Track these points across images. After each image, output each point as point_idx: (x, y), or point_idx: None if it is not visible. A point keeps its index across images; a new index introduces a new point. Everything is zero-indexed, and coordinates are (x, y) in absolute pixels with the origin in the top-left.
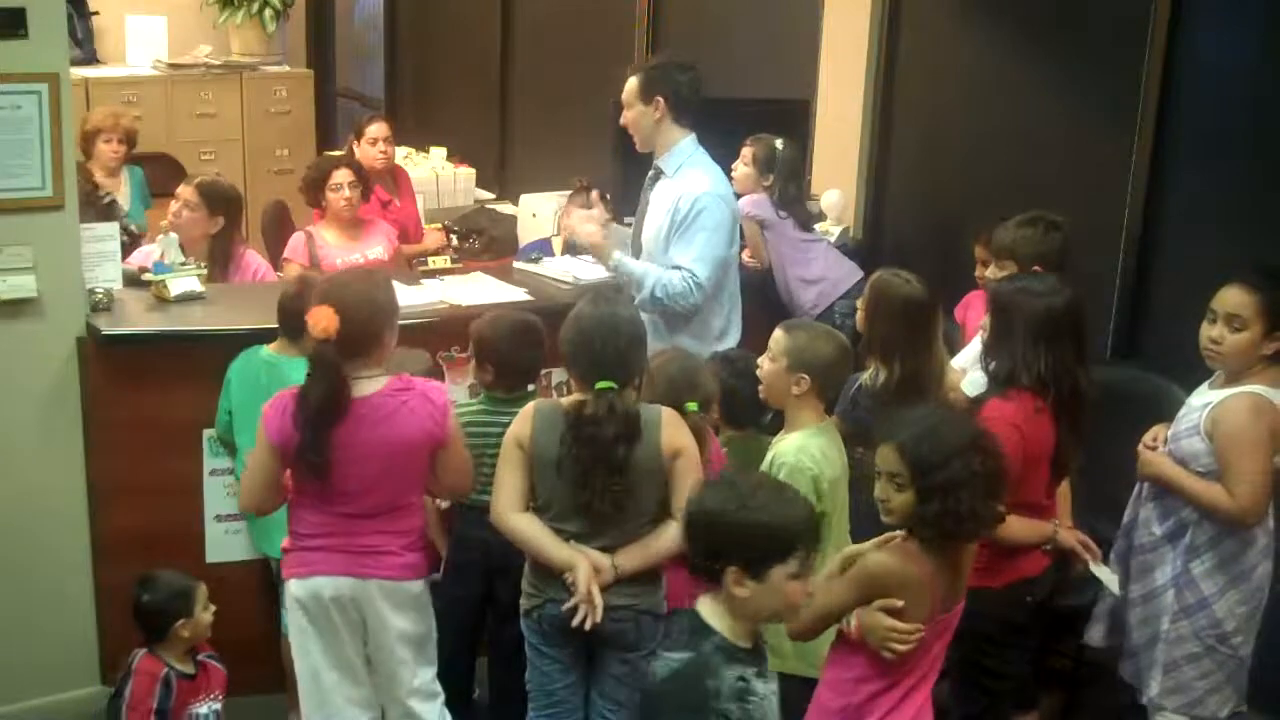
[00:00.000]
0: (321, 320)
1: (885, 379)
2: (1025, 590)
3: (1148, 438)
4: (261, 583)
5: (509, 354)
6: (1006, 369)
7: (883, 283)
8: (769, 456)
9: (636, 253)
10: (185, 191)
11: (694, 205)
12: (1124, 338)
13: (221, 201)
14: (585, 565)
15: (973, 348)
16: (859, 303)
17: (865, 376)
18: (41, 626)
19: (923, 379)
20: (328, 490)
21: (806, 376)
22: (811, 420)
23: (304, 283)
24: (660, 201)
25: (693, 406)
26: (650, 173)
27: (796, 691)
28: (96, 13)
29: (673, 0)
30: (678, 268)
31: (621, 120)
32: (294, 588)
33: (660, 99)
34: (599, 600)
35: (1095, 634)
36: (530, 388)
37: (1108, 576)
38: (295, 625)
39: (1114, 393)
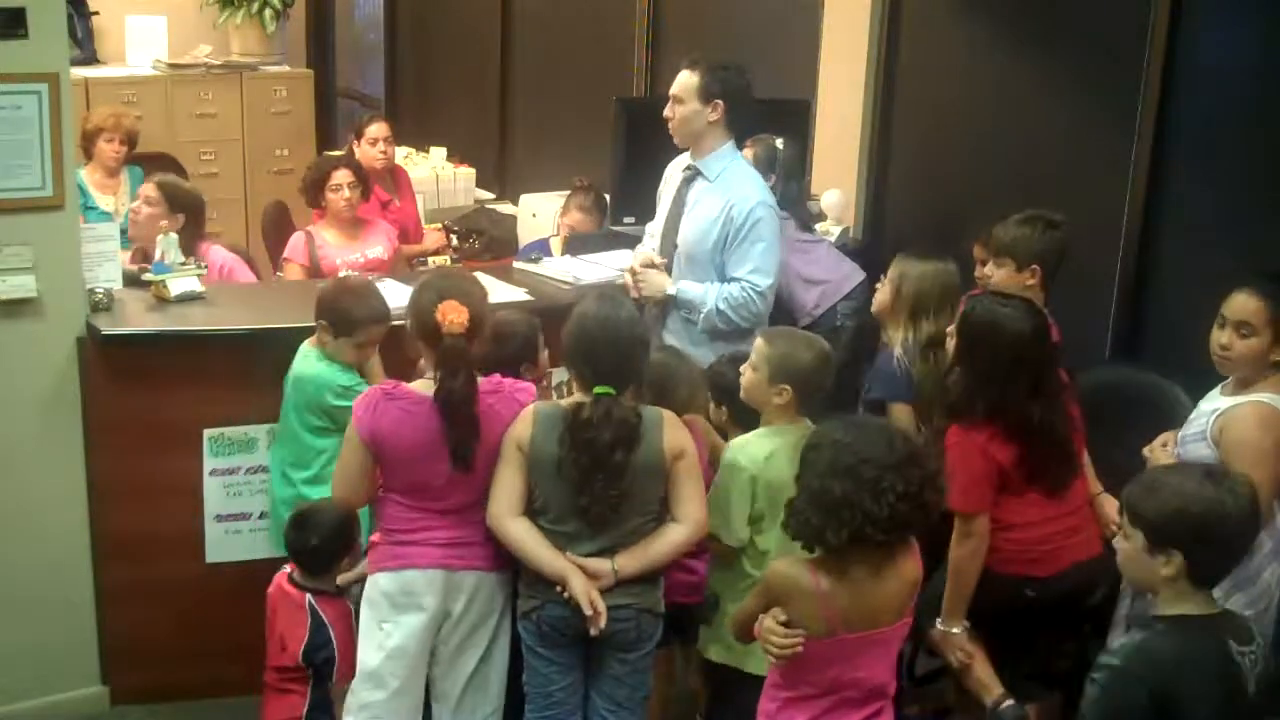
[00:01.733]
0: (457, 316)
1: (914, 340)
2: (1024, 585)
3: (1156, 442)
4: (262, 584)
5: (492, 353)
6: (966, 398)
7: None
8: None
9: (668, 250)
10: (146, 188)
11: (749, 216)
12: (1124, 338)
13: (183, 202)
14: (579, 577)
15: None
16: (879, 286)
17: (898, 352)
18: (41, 626)
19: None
20: (421, 487)
21: (788, 387)
22: (779, 423)
23: (342, 284)
24: (705, 206)
25: None
26: (685, 170)
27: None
28: (96, 13)
29: (673, 0)
30: (735, 279)
31: (667, 112)
32: (383, 581)
33: (720, 103)
34: (602, 607)
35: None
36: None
37: None
38: (372, 620)
39: (1114, 393)
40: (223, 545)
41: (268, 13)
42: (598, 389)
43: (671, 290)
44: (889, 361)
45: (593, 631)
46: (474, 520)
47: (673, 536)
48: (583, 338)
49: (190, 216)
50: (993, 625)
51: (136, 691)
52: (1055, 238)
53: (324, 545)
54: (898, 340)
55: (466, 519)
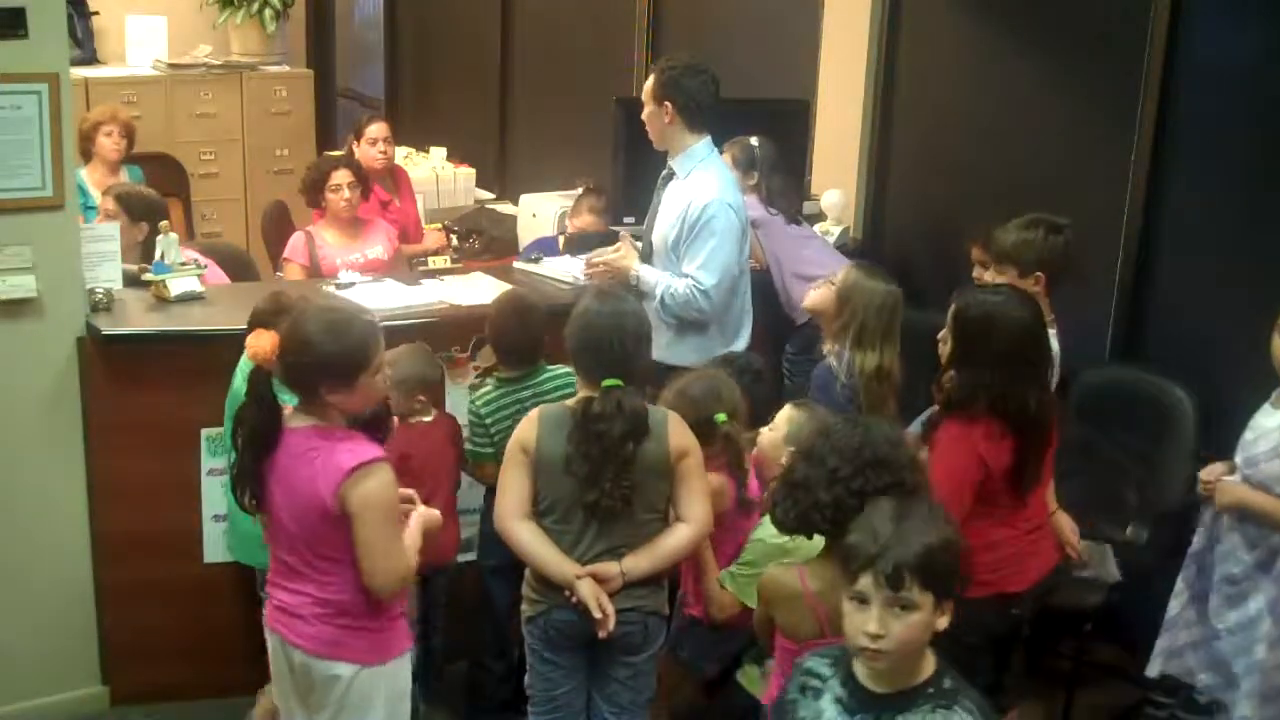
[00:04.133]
0: (256, 343)
1: (862, 367)
2: (1008, 604)
3: (1215, 474)
4: (250, 586)
5: (505, 333)
6: (967, 392)
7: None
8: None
9: (646, 252)
10: (104, 202)
11: (703, 213)
12: (1124, 338)
13: (142, 209)
14: (586, 580)
15: None
16: (816, 286)
17: (840, 371)
18: (41, 627)
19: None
20: (267, 523)
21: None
22: None
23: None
24: (671, 204)
25: (721, 417)
26: (664, 172)
27: None
28: (96, 13)
29: (673, 0)
30: (685, 276)
31: (642, 115)
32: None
33: (668, 104)
34: (610, 610)
35: (1154, 668)
36: (541, 367)
37: (1106, 566)
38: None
39: (1114, 393)
40: (221, 545)
41: (268, 13)
42: (607, 381)
43: (634, 272)
44: (830, 383)
45: (601, 634)
46: (306, 590)
47: (679, 536)
48: (588, 334)
49: (153, 223)
50: (988, 647)
51: (136, 691)
52: (1059, 243)
53: None
54: (835, 354)
55: (302, 584)
